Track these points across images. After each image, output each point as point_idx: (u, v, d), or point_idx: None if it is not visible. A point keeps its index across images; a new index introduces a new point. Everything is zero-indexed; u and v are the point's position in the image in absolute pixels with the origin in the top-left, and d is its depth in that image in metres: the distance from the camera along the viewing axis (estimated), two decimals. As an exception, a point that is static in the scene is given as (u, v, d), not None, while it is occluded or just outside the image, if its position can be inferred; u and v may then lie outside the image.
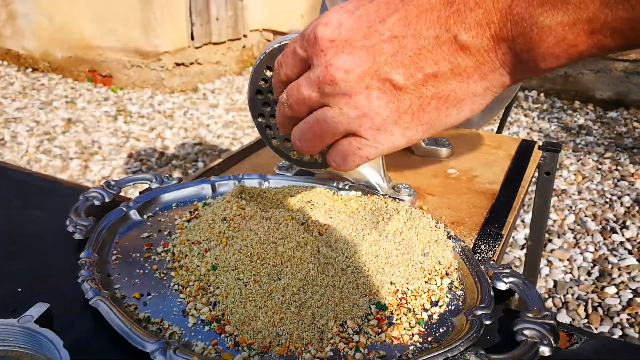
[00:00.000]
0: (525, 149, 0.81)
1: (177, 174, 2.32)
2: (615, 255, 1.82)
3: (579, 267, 1.78)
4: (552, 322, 0.44)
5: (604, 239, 1.91)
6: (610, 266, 1.77)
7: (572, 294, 1.66)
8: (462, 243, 0.55)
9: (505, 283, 0.49)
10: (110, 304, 0.46)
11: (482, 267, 0.51)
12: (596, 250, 1.86)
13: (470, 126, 0.91)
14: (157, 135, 2.70)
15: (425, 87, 0.35)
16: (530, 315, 0.45)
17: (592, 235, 1.93)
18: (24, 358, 0.40)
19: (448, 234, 0.56)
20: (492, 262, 0.52)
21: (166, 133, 2.72)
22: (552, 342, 0.42)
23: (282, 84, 0.43)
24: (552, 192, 0.83)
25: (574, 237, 1.93)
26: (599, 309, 1.60)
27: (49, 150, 2.49)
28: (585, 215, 2.04)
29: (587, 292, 1.66)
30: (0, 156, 2.43)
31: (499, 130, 0.95)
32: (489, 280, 0.49)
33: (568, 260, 1.81)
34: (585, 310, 1.59)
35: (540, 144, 0.80)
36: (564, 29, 0.30)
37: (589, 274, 1.75)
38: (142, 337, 0.42)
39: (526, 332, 0.43)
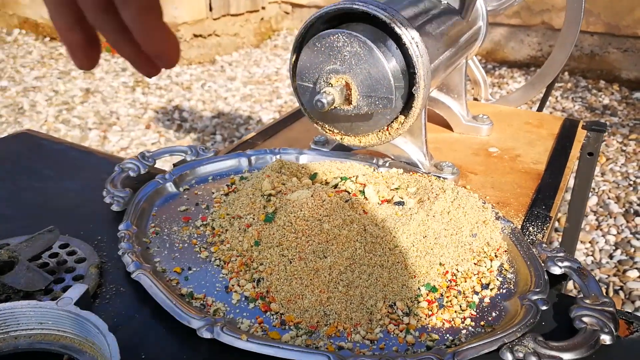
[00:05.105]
0: (568, 128, 0.78)
1: (195, 147, 2.30)
2: (638, 239, 1.79)
3: (600, 250, 1.75)
4: (611, 309, 0.42)
5: (627, 222, 1.88)
6: (632, 249, 1.74)
7: (594, 277, 1.64)
8: (512, 224, 0.53)
9: (560, 267, 0.47)
10: (153, 278, 0.45)
11: (534, 250, 0.49)
12: (619, 233, 1.83)
13: (509, 103, 0.88)
14: (174, 107, 2.68)
15: None
16: (588, 301, 0.43)
17: (614, 217, 1.90)
18: (64, 342, 0.38)
19: (496, 214, 0.54)
20: (544, 245, 0.50)
21: (184, 105, 2.70)
22: (613, 330, 0.40)
23: None
24: (594, 174, 0.81)
25: (596, 220, 1.89)
26: (621, 292, 1.58)
27: (67, 120, 2.48)
28: (609, 198, 2.00)
29: (609, 275, 1.64)
30: (20, 125, 2.42)
31: (540, 109, 0.92)
32: (542, 264, 0.47)
33: (590, 242, 1.79)
34: (607, 293, 1.57)
35: (584, 123, 0.77)
36: None
37: (610, 256, 1.73)
38: (188, 313, 0.41)
39: (585, 319, 0.41)
